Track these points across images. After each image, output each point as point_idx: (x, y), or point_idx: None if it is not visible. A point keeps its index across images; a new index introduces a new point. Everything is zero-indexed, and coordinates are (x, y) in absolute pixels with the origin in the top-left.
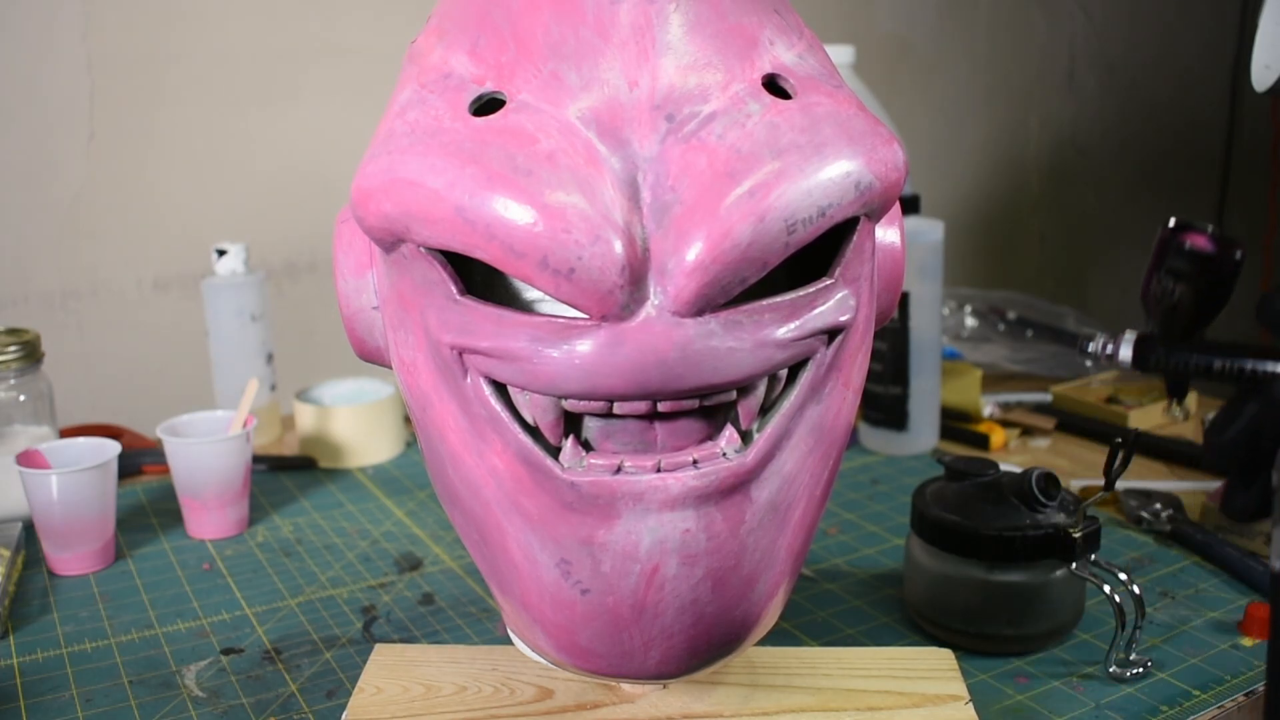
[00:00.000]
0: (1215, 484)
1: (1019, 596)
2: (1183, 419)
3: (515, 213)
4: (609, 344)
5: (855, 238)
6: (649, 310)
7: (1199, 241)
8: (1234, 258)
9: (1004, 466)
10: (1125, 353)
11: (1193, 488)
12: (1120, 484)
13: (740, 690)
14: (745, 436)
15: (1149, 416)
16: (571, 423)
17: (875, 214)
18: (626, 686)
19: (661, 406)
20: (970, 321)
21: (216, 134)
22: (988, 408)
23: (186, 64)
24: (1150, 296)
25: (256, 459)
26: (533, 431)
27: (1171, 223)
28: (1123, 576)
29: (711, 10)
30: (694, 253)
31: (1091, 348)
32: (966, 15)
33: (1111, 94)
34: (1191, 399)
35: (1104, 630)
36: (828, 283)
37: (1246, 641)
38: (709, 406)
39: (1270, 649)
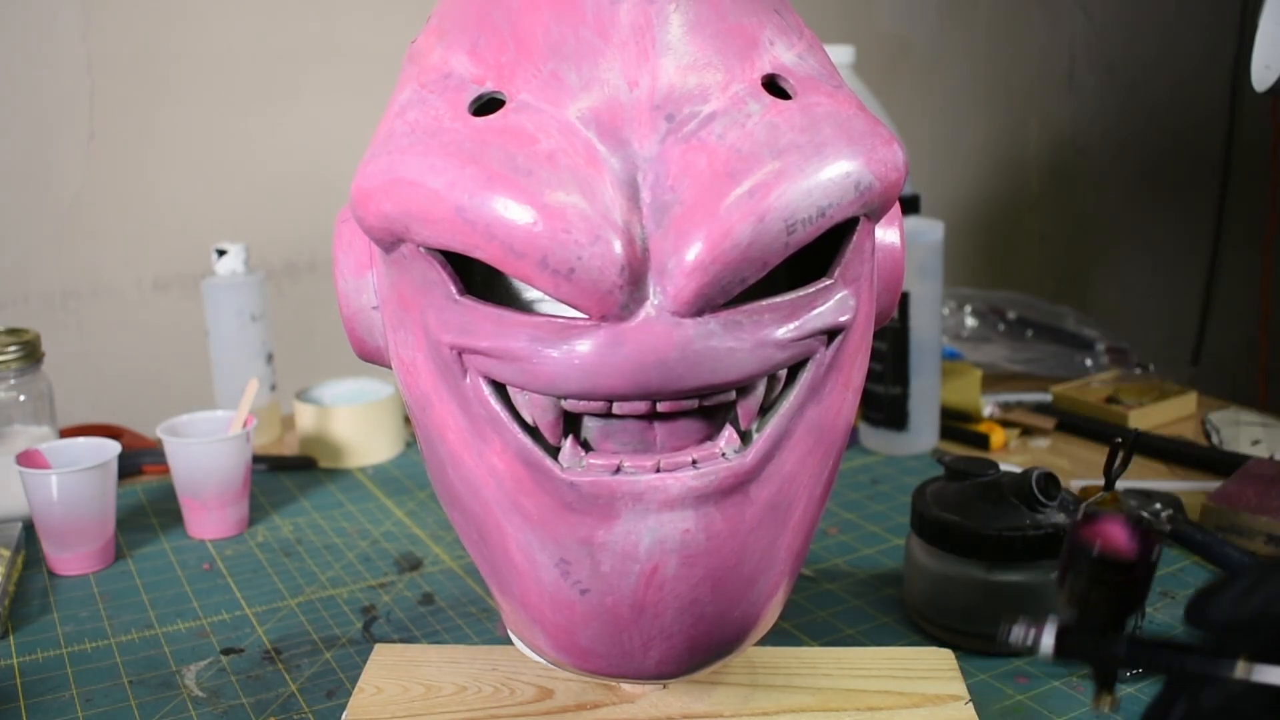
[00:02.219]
0: (1215, 484)
1: (1019, 596)
2: (1110, 711)
3: (515, 213)
4: (609, 344)
5: (855, 238)
6: (649, 310)
7: (1115, 538)
8: (1149, 559)
9: (1004, 466)
10: (1047, 642)
11: (1193, 488)
12: (1120, 484)
13: (740, 690)
14: (745, 437)
15: (1149, 416)
16: (571, 423)
17: (875, 214)
18: (626, 686)
19: (661, 407)
20: (970, 321)
21: (216, 134)
22: (988, 408)
23: (186, 64)
24: (1063, 593)
25: (256, 459)
26: (532, 431)
27: (1081, 513)
28: None
29: (711, 10)
30: (694, 253)
31: (1013, 637)
32: (966, 15)
33: (1111, 94)
34: (1191, 399)
35: None
36: (827, 283)
37: None
38: (708, 406)
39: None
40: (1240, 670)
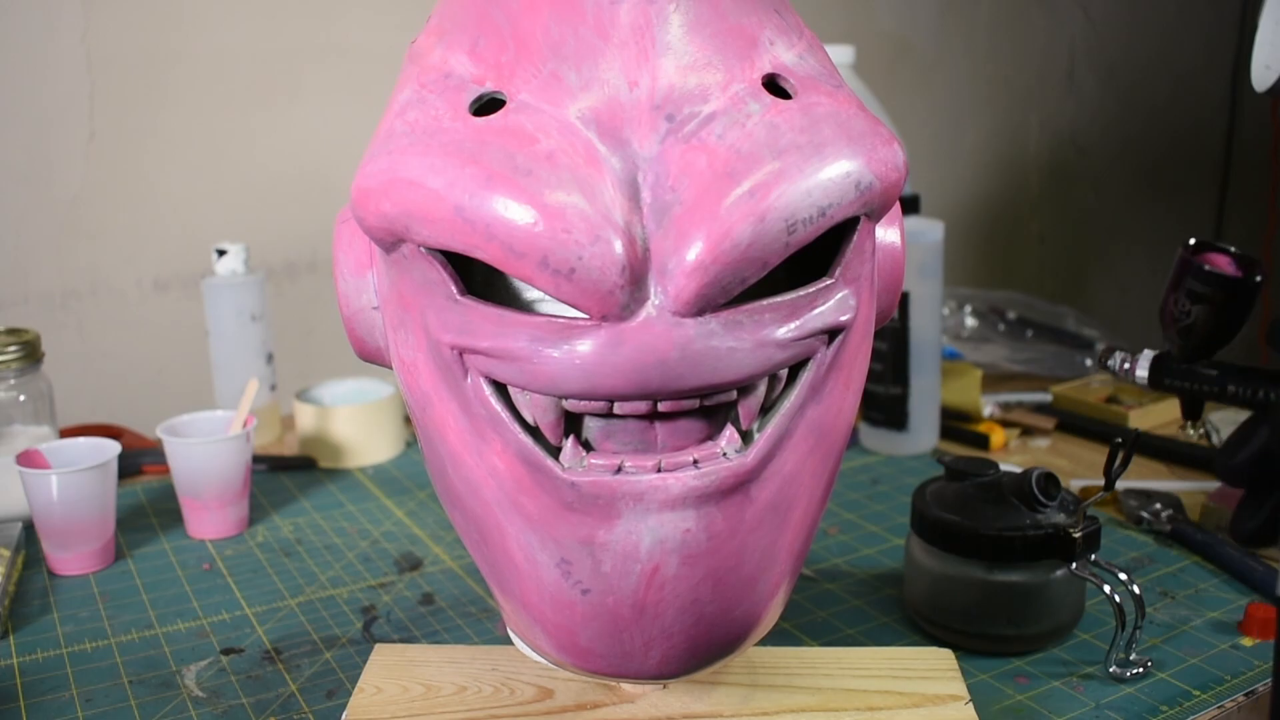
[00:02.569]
0: (1215, 484)
1: (1019, 596)
2: (1196, 438)
3: (515, 213)
4: (609, 344)
5: (855, 238)
6: (649, 310)
7: (1219, 263)
8: (1254, 281)
9: (1004, 466)
10: (1142, 371)
11: (1193, 488)
12: (1120, 484)
13: (740, 690)
14: (745, 436)
15: (1149, 416)
16: (572, 423)
17: (875, 214)
18: (626, 686)
19: (662, 406)
20: (970, 321)
21: (216, 134)
22: (988, 408)
23: (186, 64)
24: (1167, 315)
25: (256, 459)
26: (533, 431)
27: (1192, 241)
28: (1123, 576)
29: (711, 10)
30: (694, 253)
31: (1111, 363)
32: (966, 15)
33: (1111, 94)
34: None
35: (1104, 630)
36: (828, 283)
37: (1246, 641)
38: (709, 406)
39: (1275, 667)
40: None
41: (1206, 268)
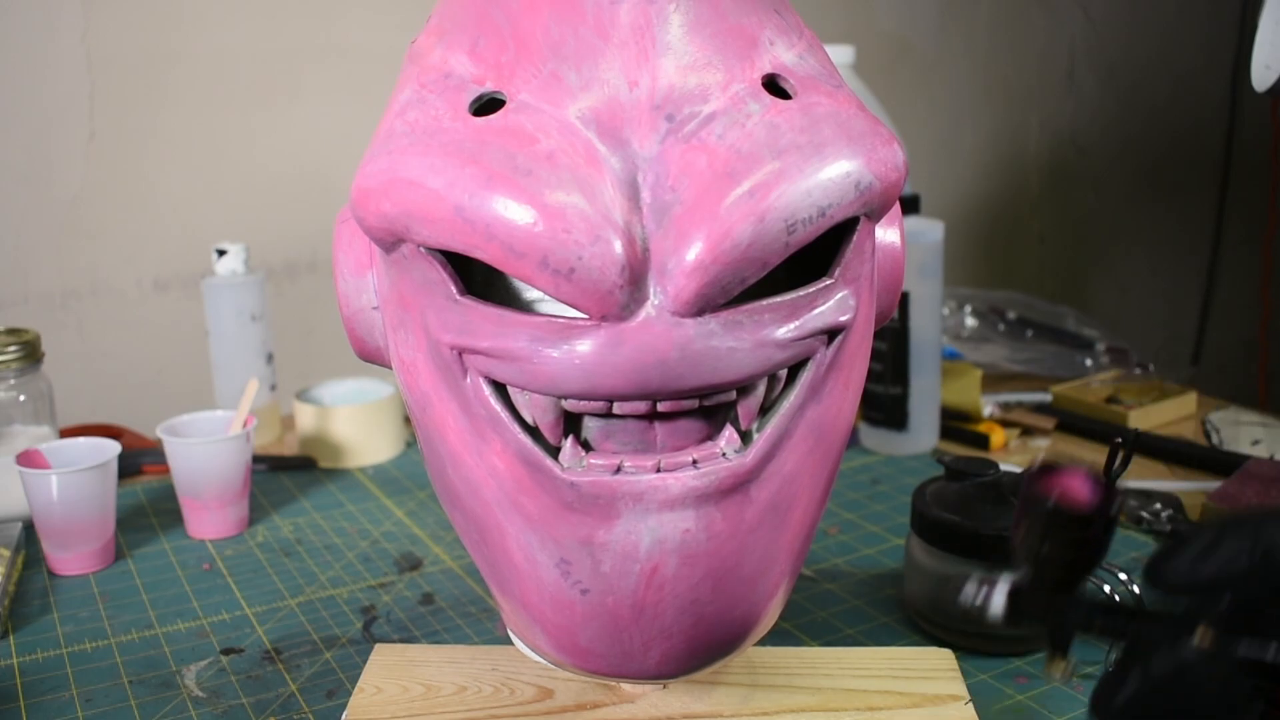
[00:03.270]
0: (1215, 484)
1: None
2: (1064, 680)
3: (515, 213)
4: (609, 344)
5: (855, 238)
6: (649, 310)
7: (1069, 492)
8: (1109, 512)
9: (1004, 466)
10: (998, 602)
11: (1193, 488)
12: (1120, 484)
13: (740, 690)
14: (745, 436)
15: (1149, 416)
16: (571, 423)
17: (875, 214)
18: (626, 686)
19: (661, 406)
20: (970, 321)
21: (216, 134)
22: (988, 408)
23: (186, 64)
24: (1015, 545)
25: (256, 459)
26: (533, 431)
27: (1039, 462)
28: (1123, 576)
29: (711, 10)
30: (694, 253)
31: (964, 596)
32: (966, 15)
33: (1111, 94)
34: (1191, 399)
35: None
36: (828, 283)
37: None
38: (709, 406)
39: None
40: (1199, 638)
41: (1051, 505)
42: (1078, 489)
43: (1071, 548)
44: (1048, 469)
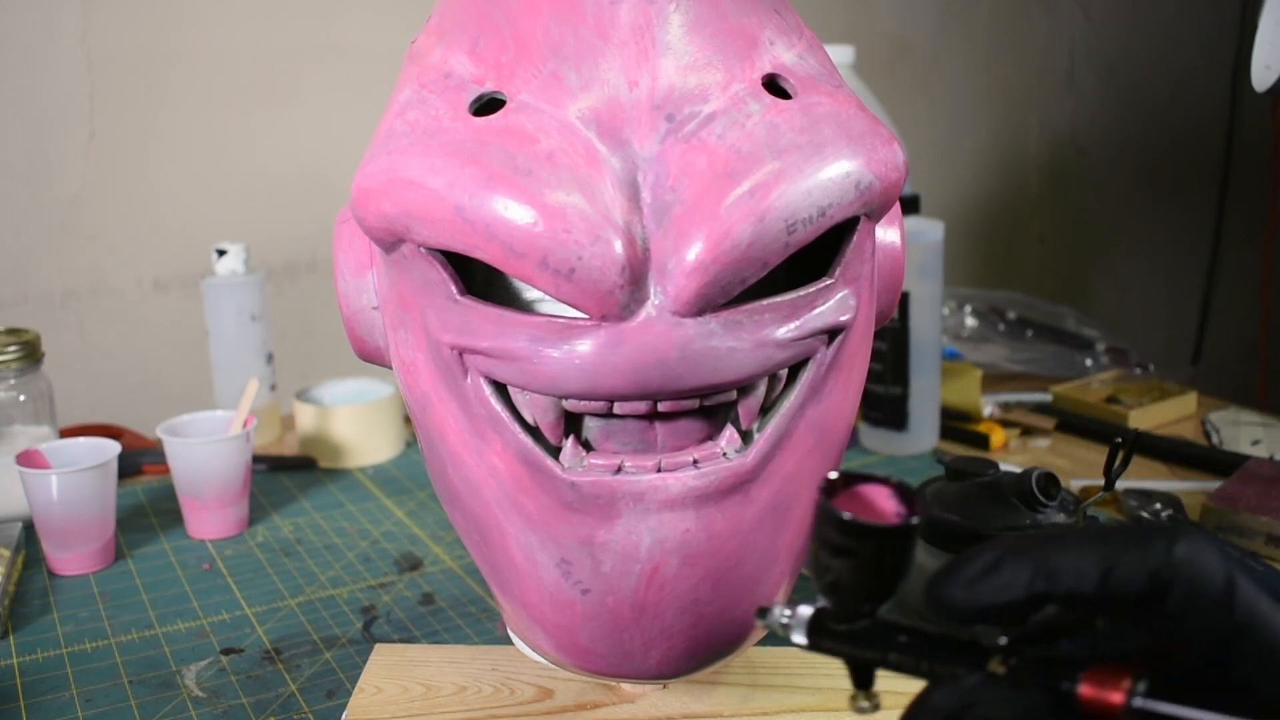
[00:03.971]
0: (1215, 484)
1: None
2: (869, 711)
3: (515, 213)
4: (609, 344)
5: (855, 238)
6: (649, 310)
7: (872, 498)
8: (908, 525)
9: (1004, 466)
10: (799, 636)
11: (1193, 488)
12: (1120, 484)
13: (740, 690)
14: (745, 436)
15: (1149, 416)
16: (572, 423)
17: (875, 214)
18: (626, 686)
19: (662, 406)
20: (970, 321)
21: (216, 134)
22: (988, 408)
23: (186, 64)
24: (811, 568)
25: (256, 459)
26: (533, 431)
27: (832, 476)
28: None
29: (711, 10)
30: (694, 253)
31: (767, 620)
32: (966, 15)
33: (1111, 94)
34: (1191, 399)
35: None
36: (828, 283)
37: None
38: (709, 406)
39: None
40: (994, 666)
41: (843, 516)
42: (876, 496)
43: (872, 567)
44: (843, 480)
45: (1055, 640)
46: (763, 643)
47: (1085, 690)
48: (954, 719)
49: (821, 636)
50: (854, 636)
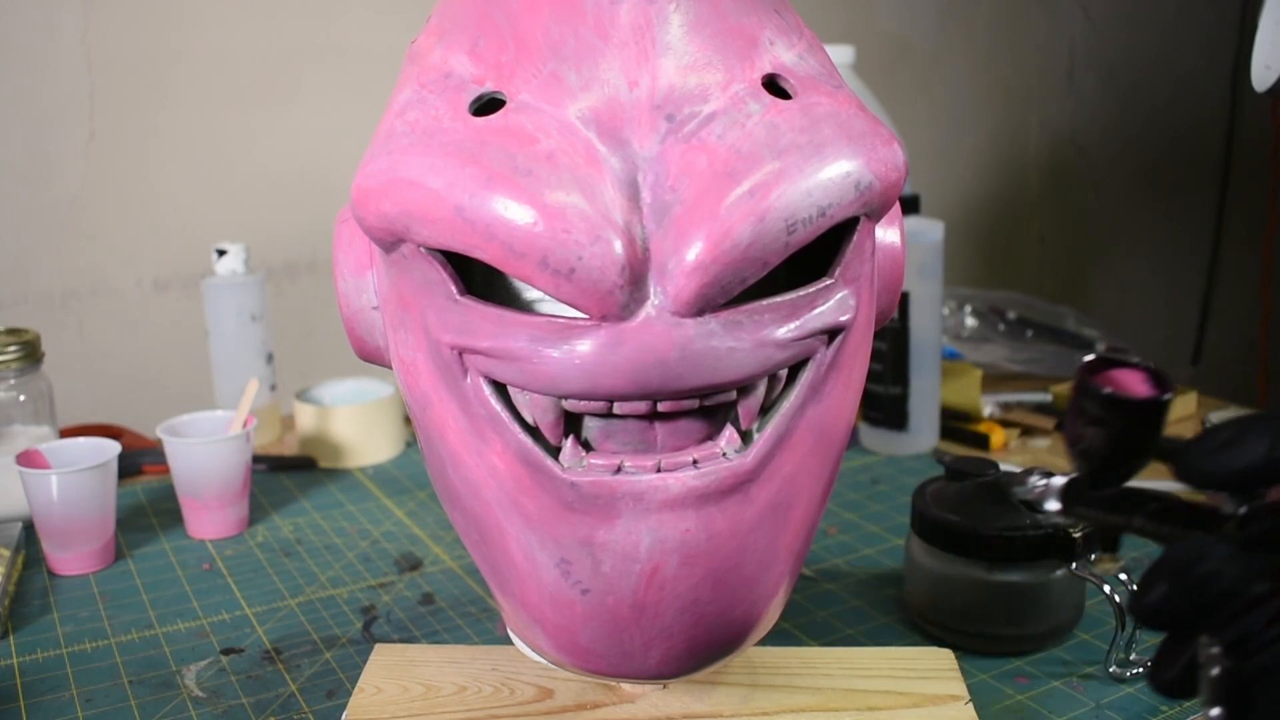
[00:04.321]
0: None
1: (1019, 596)
2: (1111, 571)
3: (515, 213)
4: (609, 344)
5: (855, 238)
6: (649, 310)
7: (1124, 381)
8: (1161, 399)
9: (1004, 466)
10: (1053, 494)
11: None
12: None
13: (740, 690)
14: (745, 436)
15: None
16: (572, 423)
17: (875, 214)
18: (626, 686)
19: (662, 406)
20: (970, 321)
21: (216, 134)
22: (988, 408)
23: (187, 64)
24: (1066, 436)
25: (256, 459)
26: (533, 431)
27: (1089, 357)
28: (1123, 576)
29: (711, 10)
30: (694, 253)
31: (1020, 491)
32: (966, 15)
33: (1111, 94)
34: (1191, 399)
35: (1104, 630)
36: (828, 283)
37: None
38: (709, 406)
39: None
40: (1229, 529)
41: (1104, 391)
42: (1130, 379)
43: (1124, 438)
44: (1101, 362)
45: None
46: (763, 643)
47: None
48: (1186, 569)
49: (1074, 502)
50: (1104, 502)
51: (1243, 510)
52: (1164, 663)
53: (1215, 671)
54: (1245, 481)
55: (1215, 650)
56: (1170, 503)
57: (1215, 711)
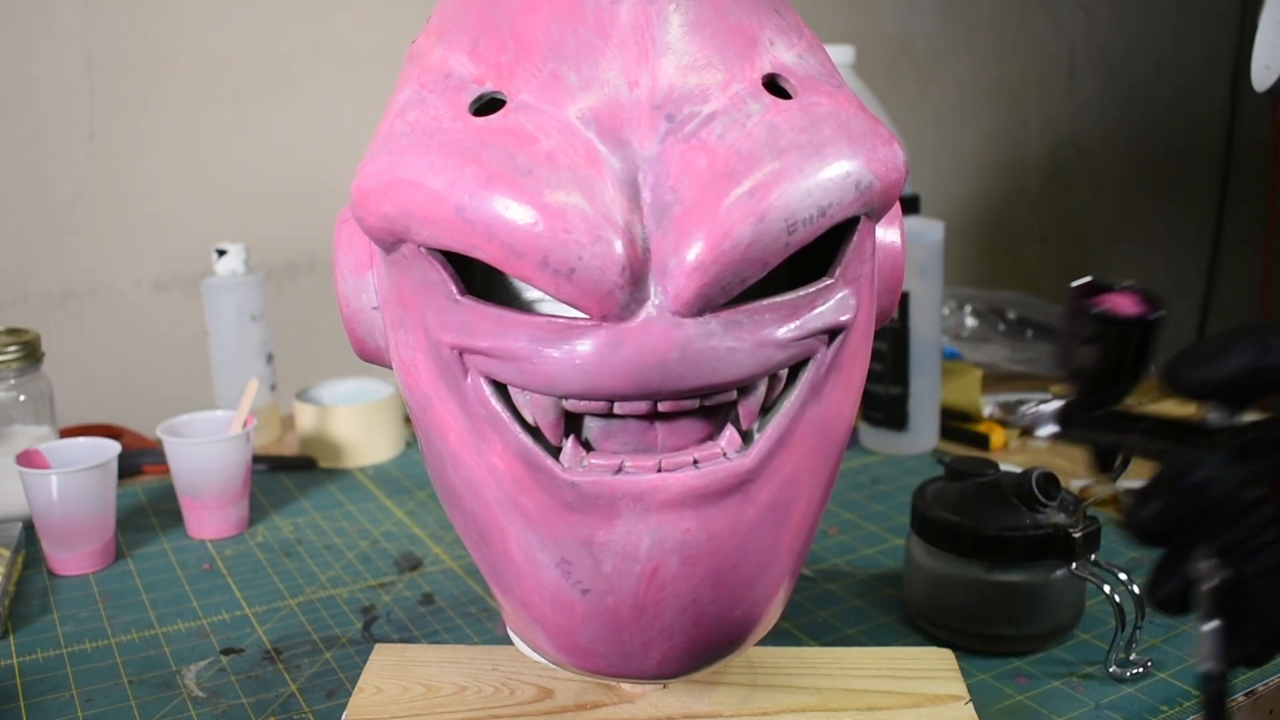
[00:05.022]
0: None
1: (1019, 596)
2: (1106, 491)
3: (515, 213)
4: (609, 344)
5: (855, 238)
6: (649, 310)
7: (1116, 303)
8: (1149, 317)
9: (1004, 466)
10: (1048, 416)
11: None
12: (1120, 483)
13: (740, 690)
14: (746, 437)
15: None
16: (572, 423)
17: (875, 214)
18: (626, 686)
19: (662, 406)
20: (970, 321)
21: (217, 134)
22: (988, 408)
23: (186, 64)
24: (1062, 358)
25: (256, 459)
26: (533, 431)
27: (1078, 283)
28: (1123, 576)
29: (711, 10)
30: (694, 253)
31: (1018, 417)
32: (967, 15)
33: (1112, 94)
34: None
35: (1104, 630)
36: (828, 283)
37: None
38: (709, 406)
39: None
40: (1222, 440)
41: (1095, 309)
42: (1121, 300)
43: (1116, 357)
44: (1092, 285)
45: (1277, 424)
46: (763, 643)
47: None
48: (1180, 478)
49: (1070, 424)
50: (1099, 422)
51: (1234, 422)
52: (1161, 578)
53: (1211, 585)
54: (1232, 390)
55: (1210, 563)
56: (1163, 420)
57: (1210, 625)
